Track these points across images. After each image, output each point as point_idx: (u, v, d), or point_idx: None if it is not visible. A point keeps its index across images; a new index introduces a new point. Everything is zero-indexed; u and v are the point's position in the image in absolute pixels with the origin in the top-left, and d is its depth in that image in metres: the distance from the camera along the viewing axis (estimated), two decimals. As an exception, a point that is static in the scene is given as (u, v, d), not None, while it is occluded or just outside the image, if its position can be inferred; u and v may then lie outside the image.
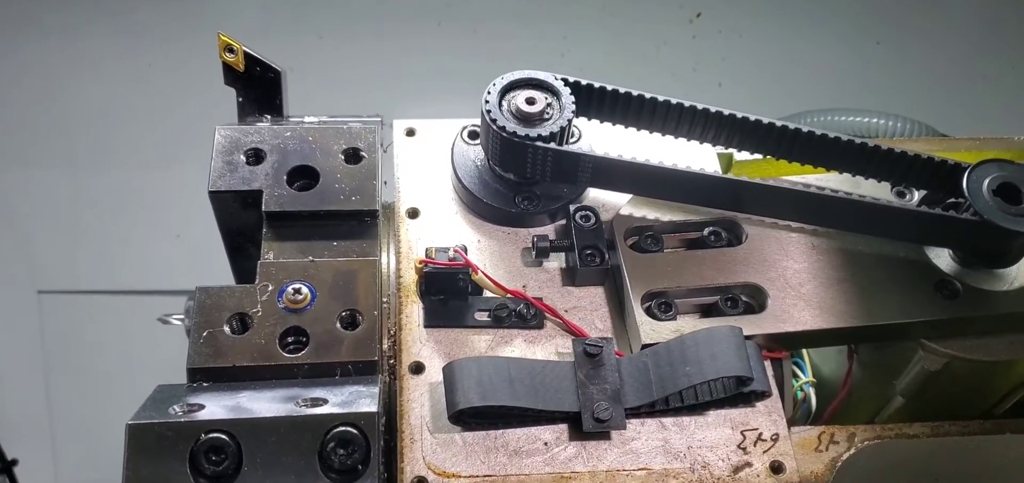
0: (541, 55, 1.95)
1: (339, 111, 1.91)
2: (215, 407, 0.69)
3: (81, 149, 2.05)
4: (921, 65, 2.11)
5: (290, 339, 0.77)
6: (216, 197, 0.86)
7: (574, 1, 1.97)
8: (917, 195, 0.97)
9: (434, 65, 2.07)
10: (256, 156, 0.88)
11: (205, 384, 0.74)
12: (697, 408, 0.82)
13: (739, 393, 0.82)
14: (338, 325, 0.78)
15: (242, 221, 0.89)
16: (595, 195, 0.97)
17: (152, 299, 2.08)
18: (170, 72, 2.04)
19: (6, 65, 2.03)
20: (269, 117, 1.00)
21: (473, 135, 1.00)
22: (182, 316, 1.32)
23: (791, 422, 0.96)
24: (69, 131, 2.04)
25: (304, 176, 0.88)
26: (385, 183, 0.97)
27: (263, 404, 0.70)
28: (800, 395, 0.97)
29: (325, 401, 0.70)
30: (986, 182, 0.87)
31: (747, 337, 0.83)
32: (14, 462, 1.86)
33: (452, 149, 0.99)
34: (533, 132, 0.88)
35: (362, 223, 0.86)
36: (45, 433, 2.05)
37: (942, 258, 0.93)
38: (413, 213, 0.96)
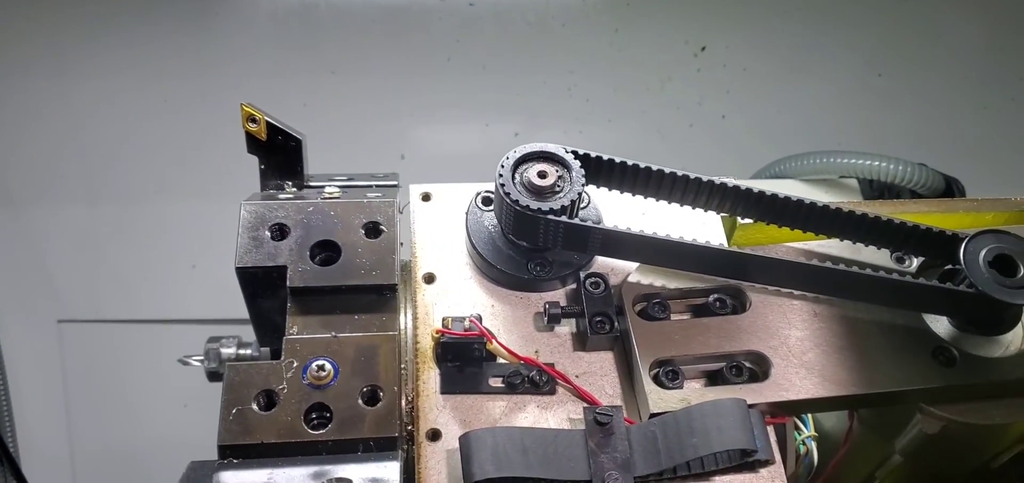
0: (549, 90, 2.00)
1: (355, 149, 1.93)
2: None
3: (99, 182, 2.10)
4: (923, 96, 2.14)
5: (314, 415, 0.81)
6: (243, 272, 0.90)
7: (581, 36, 2.01)
8: (916, 261, 1.01)
9: (444, 100, 2.11)
10: (280, 231, 0.92)
11: (235, 460, 0.78)
12: (703, 476, 0.85)
13: (743, 462, 0.85)
14: (360, 401, 0.82)
15: (266, 292, 0.92)
16: (605, 259, 1.01)
17: (169, 328, 2.13)
18: (185, 107, 2.09)
19: (26, 101, 2.07)
20: (290, 183, 1.04)
21: (486, 201, 1.03)
22: (202, 358, 1.35)
23: (795, 477, 1.00)
24: (87, 164, 2.09)
25: (326, 249, 0.92)
26: (401, 244, 1.00)
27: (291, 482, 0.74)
28: (802, 450, 1.01)
29: (350, 481, 0.74)
30: (982, 254, 0.90)
31: (751, 405, 0.86)
32: (35, 490, 1.91)
33: (466, 216, 1.03)
34: (545, 205, 0.91)
35: (382, 297, 0.90)
36: (65, 461, 2.10)
37: (940, 324, 0.96)
38: (429, 278, 0.99)
